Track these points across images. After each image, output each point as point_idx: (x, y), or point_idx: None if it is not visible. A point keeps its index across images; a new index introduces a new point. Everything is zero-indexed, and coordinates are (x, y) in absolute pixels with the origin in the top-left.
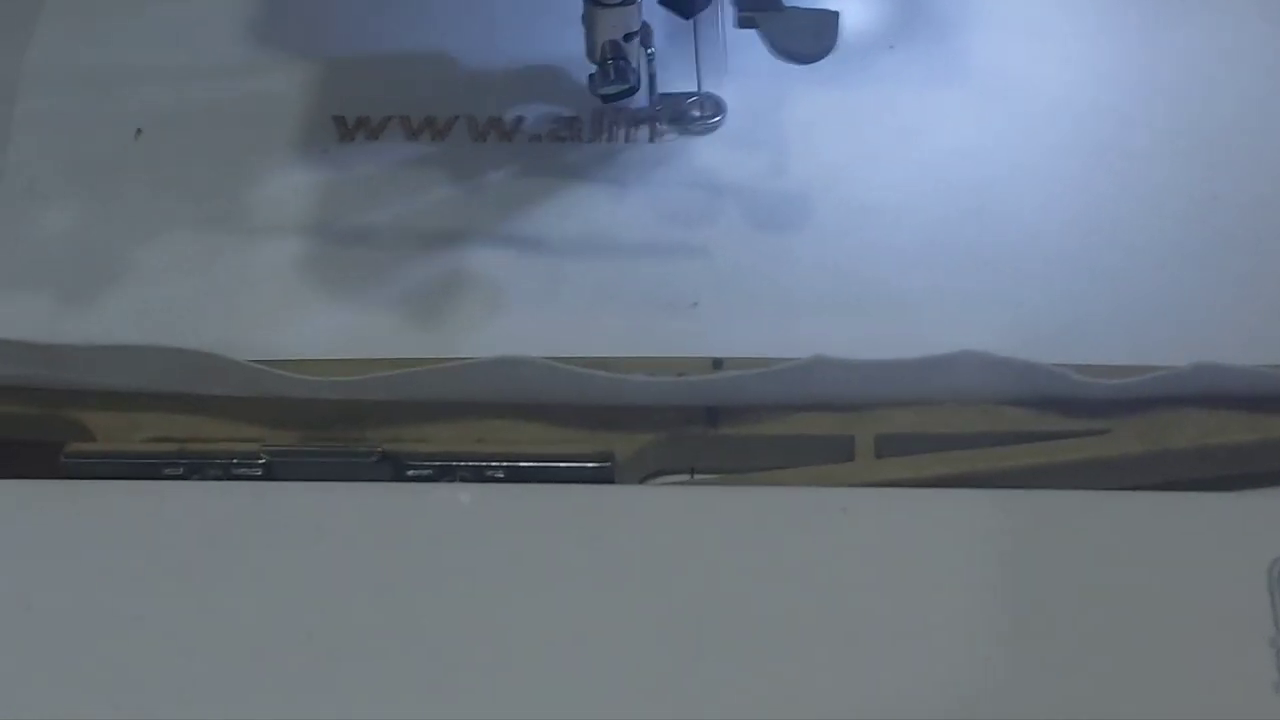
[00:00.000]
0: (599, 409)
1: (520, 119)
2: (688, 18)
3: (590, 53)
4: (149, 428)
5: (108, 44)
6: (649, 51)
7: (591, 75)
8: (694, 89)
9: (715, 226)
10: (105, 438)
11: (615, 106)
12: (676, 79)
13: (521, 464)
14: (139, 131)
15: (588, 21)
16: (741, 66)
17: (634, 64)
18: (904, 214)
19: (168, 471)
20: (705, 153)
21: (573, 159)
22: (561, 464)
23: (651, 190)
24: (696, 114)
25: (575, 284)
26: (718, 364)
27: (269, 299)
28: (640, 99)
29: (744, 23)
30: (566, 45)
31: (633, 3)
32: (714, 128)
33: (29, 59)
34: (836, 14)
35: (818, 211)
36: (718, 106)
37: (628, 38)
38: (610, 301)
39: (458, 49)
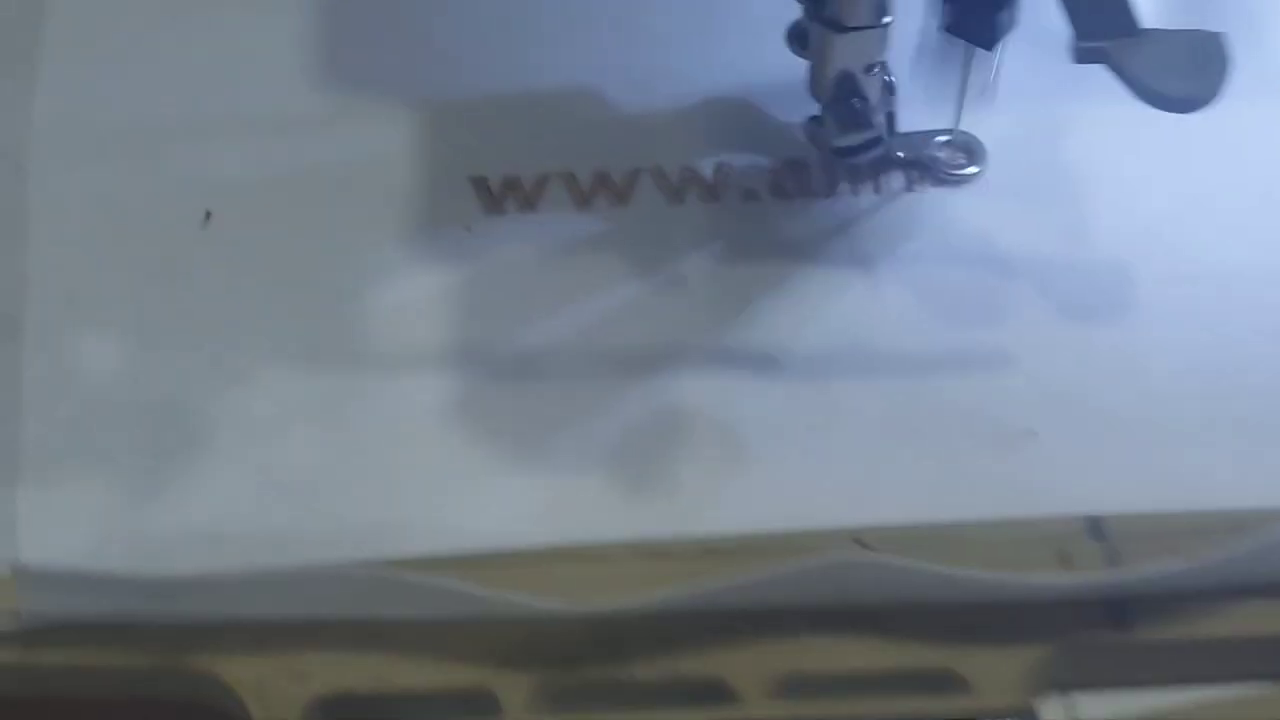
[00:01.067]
0: (950, 611)
1: (725, 168)
2: (989, 48)
3: (815, 88)
4: (317, 676)
5: (150, 93)
6: (889, 81)
7: (814, 118)
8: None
9: (1018, 317)
10: (256, 699)
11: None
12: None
13: None
14: (208, 215)
15: (814, 47)
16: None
17: (875, 105)
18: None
19: None
20: (975, 210)
21: (805, 224)
22: None
23: (925, 268)
24: (944, 156)
25: (846, 416)
26: (1096, 527)
27: (420, 461)
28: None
29: (1086, 56)
30: (770, 68)
31: (883, 25)
32: (970, 178)
33: (41, 113)
34: (1221, 36)
35: (1145, 287)
36: (971, 149)
37: (869, 70)
38: (904, 438)
39: (629, 80)
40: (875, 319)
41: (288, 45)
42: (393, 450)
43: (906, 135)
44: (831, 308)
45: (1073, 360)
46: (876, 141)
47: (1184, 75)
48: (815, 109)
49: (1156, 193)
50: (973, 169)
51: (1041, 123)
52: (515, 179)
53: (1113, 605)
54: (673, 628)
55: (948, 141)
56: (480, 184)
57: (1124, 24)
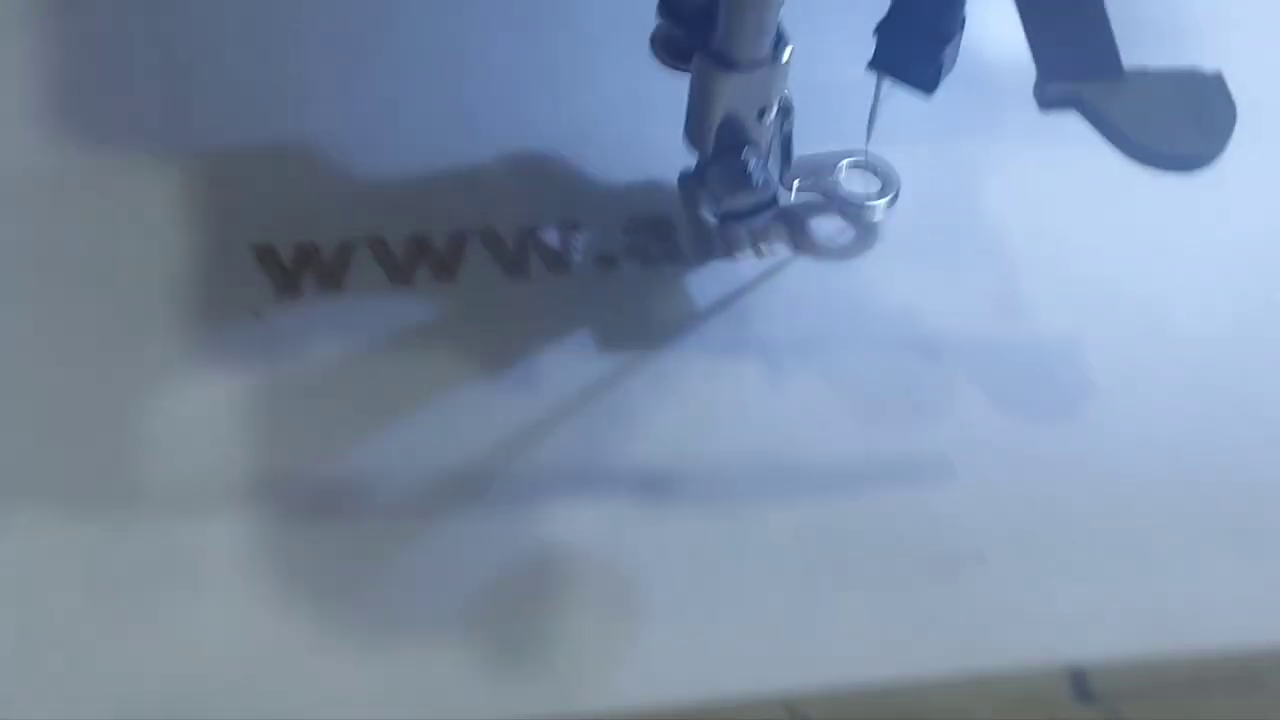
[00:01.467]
0: None
1: (573, 231)
2: (930, 91)
3: (693, 135)
4: None
5: None
6: (785, 102)
7: (688, 176)
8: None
9: (949, 411)
10: None
11: None
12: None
13: None
14: None
15: (695, 85)
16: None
17: (766, 157)
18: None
19: None
20: (887, 276)
21: (677, 298)
22: None
23: (832, 353)
24: (850, 183)
25: (758, 549)
26: (1080, 683)
27: (209, 623)
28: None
29: (1055, 100)
30: (630, 105)
31: (778, 62)
32: (880, 210)
33: None
34: (1219, 78)
35: (1097, 363)
36: (883, 175)
37: (762, 115)
38: (830, 573)
39: (450, 122)
40: (779, 420)
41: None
42: (173, 609)
43: (807, 158)
44: (724, 407)
45: (1020, 462)
46: (770, 203)
47: (1177, 127)
48: (690, 160)
49: (1101, 248)
50: (884, 199)
51: (962, 166)
52: (312, 248)
53: None
54: None
55: (855, 165)
56: (268, 256)
57: (1102, 62)
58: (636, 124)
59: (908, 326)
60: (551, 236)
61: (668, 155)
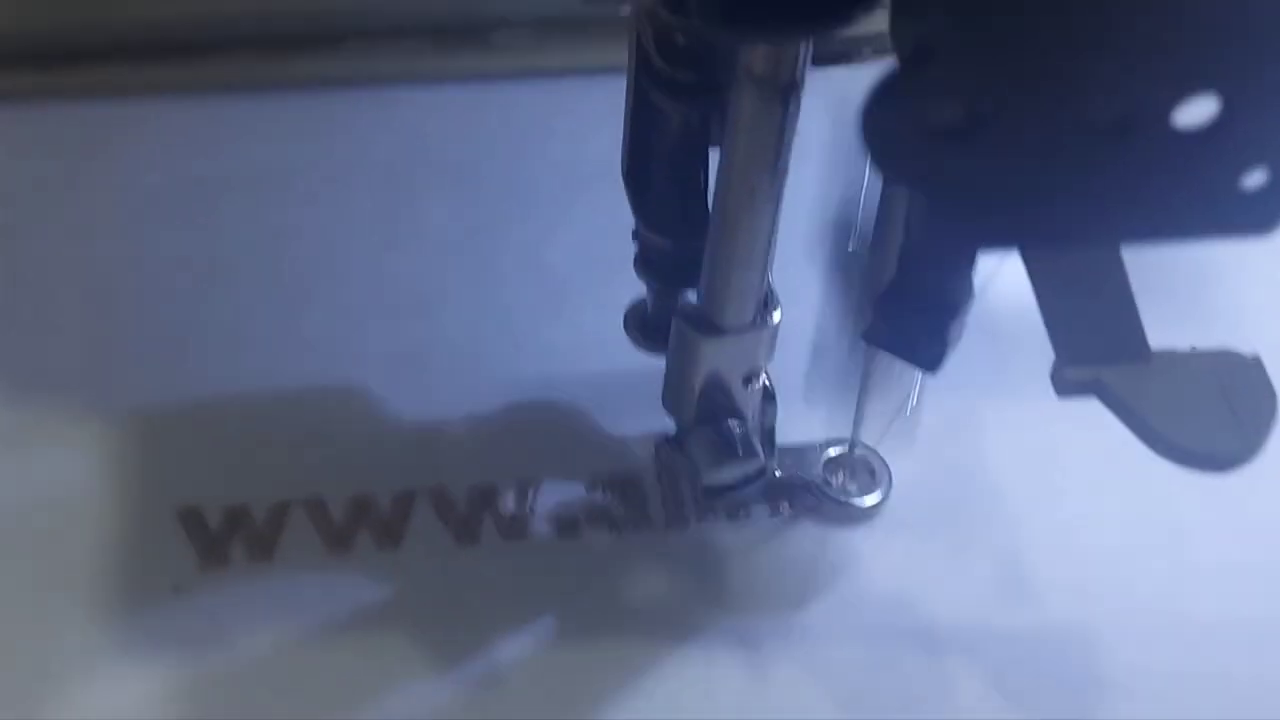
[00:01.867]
0: None
1: (533, 490)
2: (933, 371)
3: (671, 402)
4: None
5: None
6: (767, 387)
7: (667, 441)
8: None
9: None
10: None
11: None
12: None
13: None
14: None
15: (675, 347)
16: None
17: (754, 427)
18: None
19: None
20: (877, 554)
21: (644, 570)
22: None
23: (821, 646)
24: (835, 478)
25: None
26: None
27: None
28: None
29: (1074, 387)
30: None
31: (768, 326)
32: (869, 510)
33: None
34: (1258, 363)
35: (1115, 655)
36: (871, 470)
37: (748, 381)
38: None
39: (390, 366)
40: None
41: None
42: None
43: (789, 450)
44: (704, 709)
45: None
46: (758, 475)
47: (1210, 418)
48: (660, 416)
49: (1109, 525)
50: (872, 496)
51: (964, 435)
52: (240, 508)
53: None
54: None
55: (840, 459)
56: (192, 518)
57: (1127, 344)
58: (605, 371)
59: (902, 612)
60: (507, 497)
61: (639, 407)
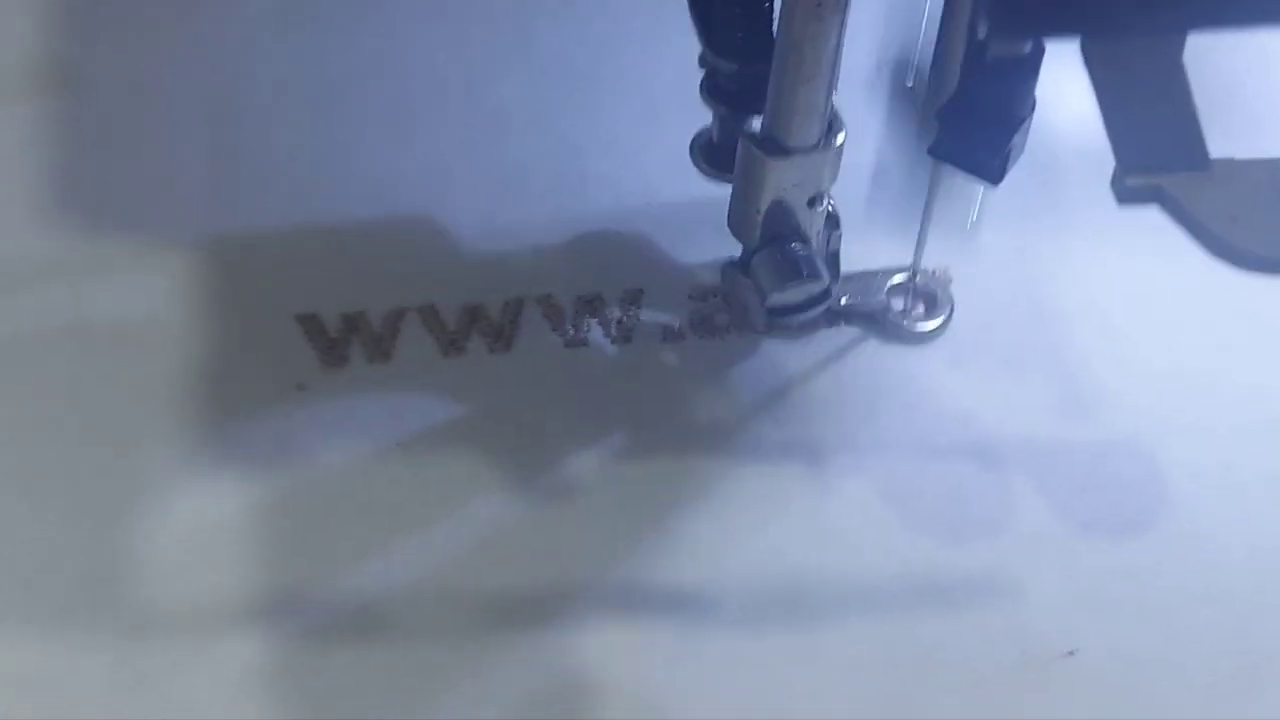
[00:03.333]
0: None
1: (633, 301)
2: (996, 182)
3: (736, 225)
4: None
5: None
6: (831, 211)
7: (734, 262)
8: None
9: (1021, 526)
10: None
11: None
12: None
13: None
14: None
15: (740, 171)
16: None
17: (818, 249)
18: None
19: None
20: (944, 376)
21: (724, 385)
22: None
23: (889, 461)
24: (899, 305)
25: (822, 682)
26: None
27: None
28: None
29: (1136, 195)
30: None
31: (835, 147)
32: (930, 334)
33: None
34: None
35: (1175, 469)
36: (935, 299)
37: (812, 203)
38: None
39: (498, 190)
40: (834, 532)
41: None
42: None
43: (853, 277)
44: (773, 520)
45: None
46: (822, 297)
47: (1269, 224)
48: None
49: (1170, 346)
50: (933, 322)
51: (1024, 260)
52: (359, 315)
53: None
54: None
55: (902, 286)
56: (311, 322)
57: (1188, 153)
58: (702, 189)
59: (966, 429)
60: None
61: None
